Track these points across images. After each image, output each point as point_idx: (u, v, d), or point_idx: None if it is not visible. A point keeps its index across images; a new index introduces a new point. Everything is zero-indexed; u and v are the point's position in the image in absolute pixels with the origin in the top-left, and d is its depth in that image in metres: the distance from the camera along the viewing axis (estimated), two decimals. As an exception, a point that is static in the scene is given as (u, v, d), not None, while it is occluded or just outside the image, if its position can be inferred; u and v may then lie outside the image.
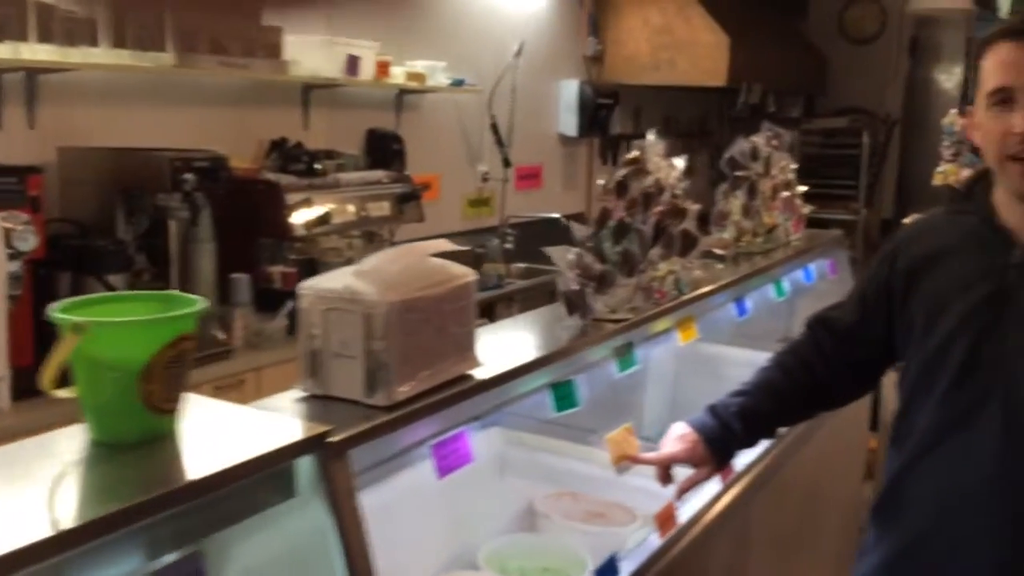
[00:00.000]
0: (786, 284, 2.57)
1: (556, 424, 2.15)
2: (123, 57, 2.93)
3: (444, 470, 1.25)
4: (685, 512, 1.79)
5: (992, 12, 7.67)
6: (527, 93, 5.14)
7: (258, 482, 1.02)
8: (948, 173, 3.27)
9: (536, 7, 5.21)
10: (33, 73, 2.79)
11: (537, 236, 4.22)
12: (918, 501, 1.41)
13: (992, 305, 1.34)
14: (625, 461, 1.62)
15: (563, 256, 1.66)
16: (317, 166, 3.50)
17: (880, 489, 1.50)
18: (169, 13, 3.05)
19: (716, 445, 1.58)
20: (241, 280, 3.28)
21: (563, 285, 1.65)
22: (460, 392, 1.27)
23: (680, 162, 1.97)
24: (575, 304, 1.65)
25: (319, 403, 1.21)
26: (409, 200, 3.83)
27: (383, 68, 3.83)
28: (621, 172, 1.78)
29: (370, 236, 3.85)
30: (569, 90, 5.55)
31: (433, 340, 1.25)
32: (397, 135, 4.32)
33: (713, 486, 1.92)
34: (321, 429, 1.05)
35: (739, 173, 2.49)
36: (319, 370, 1.21)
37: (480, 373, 1.36)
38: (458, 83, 4.39)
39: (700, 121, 6.99)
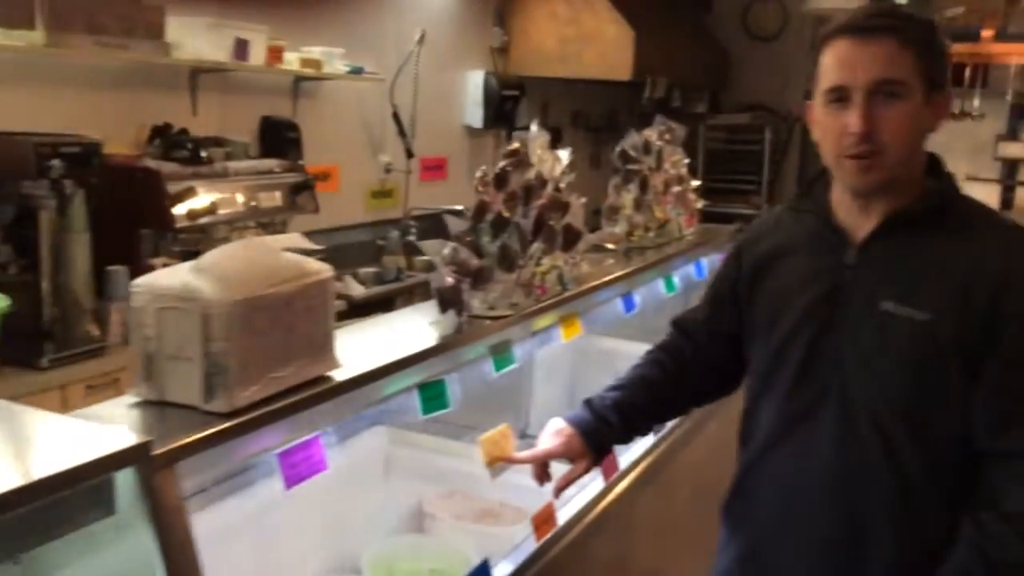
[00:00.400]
0: (677, 279, 2.56)
1: (444, 423, 2.08)
2: (-14, 34, 2.73)
3: (292, 479, 1.17)
4: (567, 512, 1.74)
5: (887, 14, 7.91)
6: (431, 83, 5.05)
7: (75, 497, 0.92)
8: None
9: (441, -3, 5.12)
10: None
11: (442, 228, 4.14)
12: (762, 502, 1.42)
13: (829, 304, 1.35)
14: (500, 462, 1.56)
15: (438, 251, 1.59)
16: (203, 154, 3.34)
17: (729, 488, 1.50)
18: (38, -12, 2.86)
19: (592, 438, 1.55)
20: (118, 273, 3.11)
21: (437, 281, 1.58)
22: (312, 396, 1.19)
23: (564, 154, 1.92)
24: (449, 300, 1.59)
25: (153, 410, 1.12)
26: (303, 190, 3.70)
27: (275, 53, 3.69)
28: (500, 164, 1.72)
29: (264, 227, 3.72)
30: (474, 81, 5.48)
31: (282, 341, 1.16)
32: (293, 123, 4.18)
33: (596, 484, 1.89)
34: (142, 440, 0.95)
35: (631, 167, 2.47)
36: (154, 374, 1.11)
37: (339, 375, 1.28)
38: (357, 71, 4.28)
39: (609, 115, 7.01)
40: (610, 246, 2.42)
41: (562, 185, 1.89)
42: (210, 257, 1.11)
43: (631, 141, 2.46)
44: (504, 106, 5.56)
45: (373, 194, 4.92)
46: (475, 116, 5.52)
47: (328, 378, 1.26)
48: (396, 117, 4.79)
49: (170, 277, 1.12)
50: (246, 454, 1.16)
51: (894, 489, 1.30)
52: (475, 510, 2.22)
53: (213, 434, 1.06)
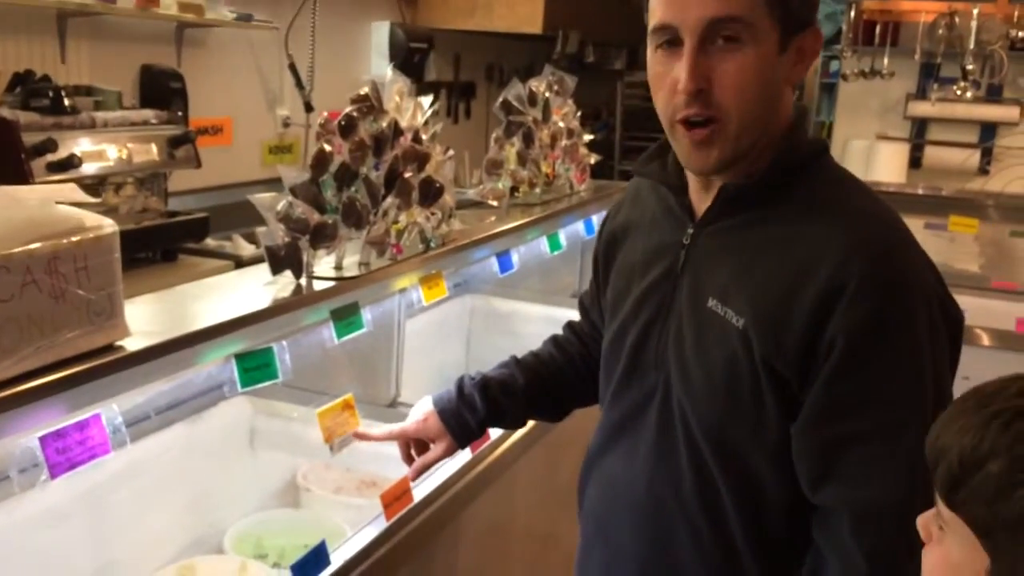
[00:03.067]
0: (563, 238, 2.44)
1: (312, 392, 1.94)
2: None
3: (59, 467, 1.01)
4: (423, 489, 1.62)
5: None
6: (332, 34, 4.81)
7: None
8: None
9: (339, -60, 4.86)
10: None
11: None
12: (590, 502, 1.28)
13: (661, 291, 1.15)
14: (343, 438, 1.43)
15: (271, 206, 1.43)
16: (67, 103, 3.09)
17: None
18: None
19: (452, 421, 1.41)
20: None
21: (268, 239, 1.42)
22: (84, 371, 1.03)
23: (427, 102, 1.76)
24: (282, 260, 1.43)
25: None
26: (182, 143, 3.46)
27: (149, -5, 3.43)
28: (346, 110, 1.56)
29: (141, 183, 3.48)
30: (380, 32, 5.25)
31: (48, 307, 1.00)
32: (177, 72, 3.91)
33: (462, 457, 1.77)
34: None
35: (514, 118, 2.32)
36: None
37: (131, 344, 1.12)
38: (245, 18, 4.02)
39: (525, 70, 6.82)
40: (492, 202, 2.28)
41: (424, 136, 1.74)
42: (-54, 210, 0.94)
43: (515, 91, 2.32)
44: (412, 58, 5.35)
45: (271, 149, 4.69)
46: (381, 68, 5.25)
47: (115, 348, 1.10)
48: (293, 68, 4.55)
49: (-102, 232, 0.94)
50: (5, 437, 1.00)
51: (709, 532, 1.10)
52: (355, 483, 2.10)
53: (-53, 418, 0.90)
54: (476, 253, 2.01)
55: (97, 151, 3.16)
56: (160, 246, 3.49)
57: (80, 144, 3.08)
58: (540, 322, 2.57)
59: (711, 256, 1.10)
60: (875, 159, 5.96)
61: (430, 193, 1.69)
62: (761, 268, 1.04)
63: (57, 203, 1.07)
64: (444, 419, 1.41)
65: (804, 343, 1.00)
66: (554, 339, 1.50)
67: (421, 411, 1.44)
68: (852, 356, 0.98)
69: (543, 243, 2.38)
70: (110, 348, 1.10)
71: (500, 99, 2.33)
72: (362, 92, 1.59)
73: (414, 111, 1.75)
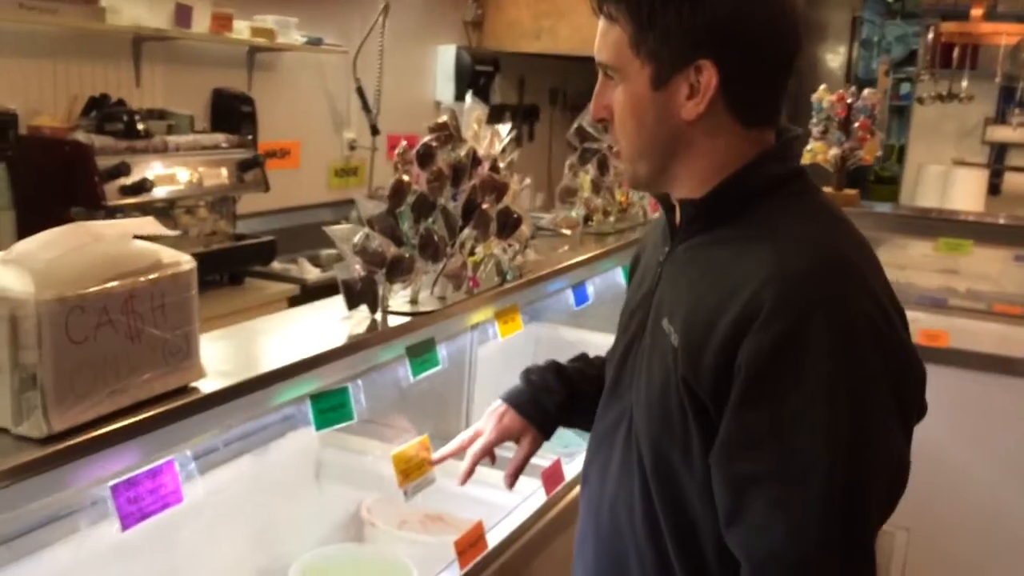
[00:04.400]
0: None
1: (379, 424, 1.90)
2: None
3: (131, 518, 0.97)
4: (500, 531, 1.55)
5: (876, -9, 7.70)
6: (400, 58, 4.82)
7: None
8: (816, 151, 3.13)
9: (409, -35, 4.88)
10: None
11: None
12: (577, 526, 1.23)
13: (643, 309, 1.14)
14: (417, 481, 1.37)
15: (348, 238, 1.39)
16: (140, 127, 3.11)
17: None
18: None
19: (529, 408, 1.35)
20: (46, 254, 2.89)
21: (343, 272, 1.38)
22: (160, 415, 0.99)
23: (505, 129, 1.71)
24: (358, 295, 1.38)
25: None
26: (252, 167, 3.48)
27: (221, 21, 3.46)
28: (425, 139, 1.51)
29: (211, 206, 3.50)
30: (446, 56, 5.25)
31: (123, 348, 0.96)
32: (247, 96, 3.95)
33: (537, 500, 1.70)
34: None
35: (589, 145, 2.26)
36: (-40, 388, 0.91)
37: (205, 386, 1.08)
38: (315, 42, 4.04)
39: (589, 93, 6.73)
40: (565, 231, 2.22)
41: (501, 164, 1.68)
42: (25, 245, 0.91)
43: (589, 117, 2.25)
44: (478, 82, 5.34)
45: (337, 172, 4.70)
46: (447, 92, 5.29)
47: (189, 390, 1.06)
48: (360, 92, 4.57)
49: (-27, 270, 0.91)
50: (79, 485, 0.96)
51: (653, 562, 1.06)
52: (419, 516, 2.04)
53: (19, 466, 0.86)
54: (551, 285, 1.94)
55: (168, 175, 3.18)
56: (228, 269, 3.51)
57: (152, 168, 3.11)
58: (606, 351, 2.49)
59: (674, 275, 1.10)
60: (952, 185, 5.76)
61: (508, 224, 1.63)
62: (700, 289, 1.03)
63: (135, 237, 1.03)
64: (522, 411, 1.35)
65: (717, 368, 0.96)
66: None
67: (494, 414, 1.38)
68: (753, 386, 0.93)
69: (618, 273, 2.30)
70: (185, 390, 1.05)
71: (574, 125, 2.26)
72: (440, 120, 1.54)
73: (491, 139, 1.70)
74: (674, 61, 1.01)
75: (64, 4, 2.94)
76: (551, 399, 1.35)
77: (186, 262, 1.04)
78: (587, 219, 2.32)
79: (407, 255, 1.44)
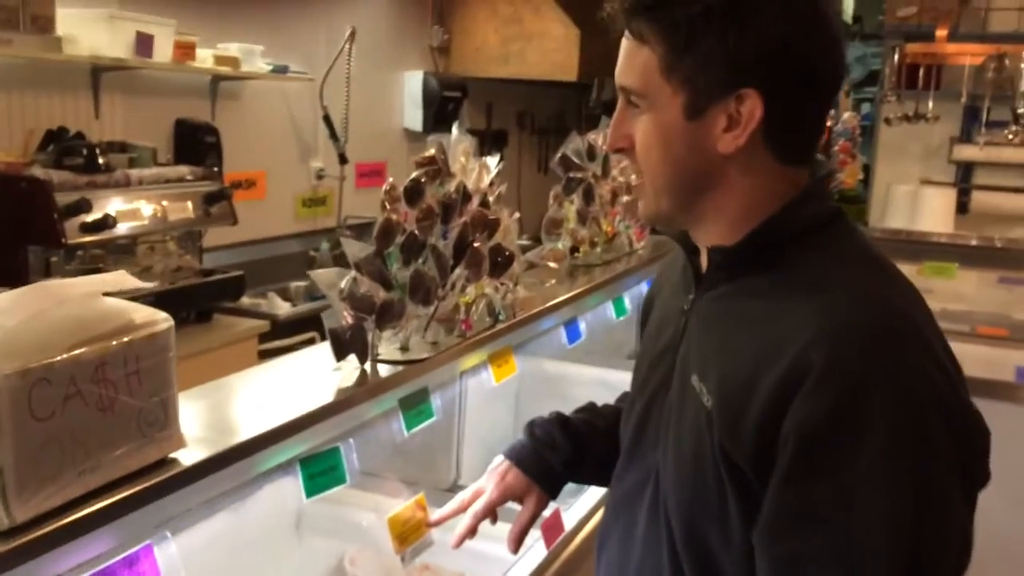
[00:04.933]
0: (628, 301, 2.28)
1: (367, 475, 1.79)
2: None
3: (106, 613, 0.86)
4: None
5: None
6: (366, 84, 4.73)
7: None
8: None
9: (375, -9, 4.81)
10: None
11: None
12: None
13: (666, 361, 1.05)
14: (415, 545, 1.27)
15: (334, 283, 1.29)
16: (101, 161, 2.98)
17: None
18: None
19: (533, 467, 1.25)
20: None
21: (331, 320, 1.28)
22: (135, 495, 0.88)
23: (493, 161, 1.62)
24: (347, 344, 1.28)
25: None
26: (218, 200, 3.36)
27: (184, 50, 3.35)
28: (413, 174, 1.42)
29: (178, 241, 3.37)
30: (413, 82, 5.17)
31: (94, 421, 0.85)
32: (211, 126, 3.83)
33: (537, 554, 1.60)
34: None
35: (574, 175, 2.18)
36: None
37: (186, 457, 0.97)
38: (281, 70, 3.94)
39: (558, 117, 6.75)
40: (551, 264, 2.13)
41: (491, 198, 1.60)
42: (-15, 310, 0.80)
43: (574, 146, 2.18)
44: (446, 107, 5.27)
45: (304, 202, 4.59)
46: (415, 118, 5.21)
47: (168, 464, 0.95)
48: (327, 120, 4.47)
49: (-77, 340, 0.80)
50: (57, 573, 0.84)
51: None
52: (407, 569, 1.93)
53: (-26, 565, 0.75)
54: (544, 323, 1.86)
55: (132, 210, 3.05)
56: (196, 307, 3.37)
57: (114, 203, 2.98)
58: (594, 385, 2.39)
59: (703, 325, 1.00)
60: (921, 204, 5.78)
61: (500, 262, 1.54)
62: (736, 344, 0.92)
63: (105, 295, 0.92)
64: (525, 468, 1.26)
65: (760, 436, 0.86)
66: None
67: (496, 472, 1.28)
68: (803, 459, 0.83)
69: (608, 307, 2.22)
70: (163, 463, 0.94)
71: (559, 154, 2.19)
72: (428, 154, 1.45)
73: (480, 172, 1.61)
74: (713, 89, 0.91)
75: (19, 34, 2.81)
76: (557, 456, 1.25)
77: (162, 320, 0.93)
78: (573, 250, 2.24)
79: (397, 299, 1.35)
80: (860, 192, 6.51)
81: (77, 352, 0.83)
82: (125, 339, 0.88)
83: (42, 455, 0.80)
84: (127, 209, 3.03)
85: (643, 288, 2.45)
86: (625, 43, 0.97)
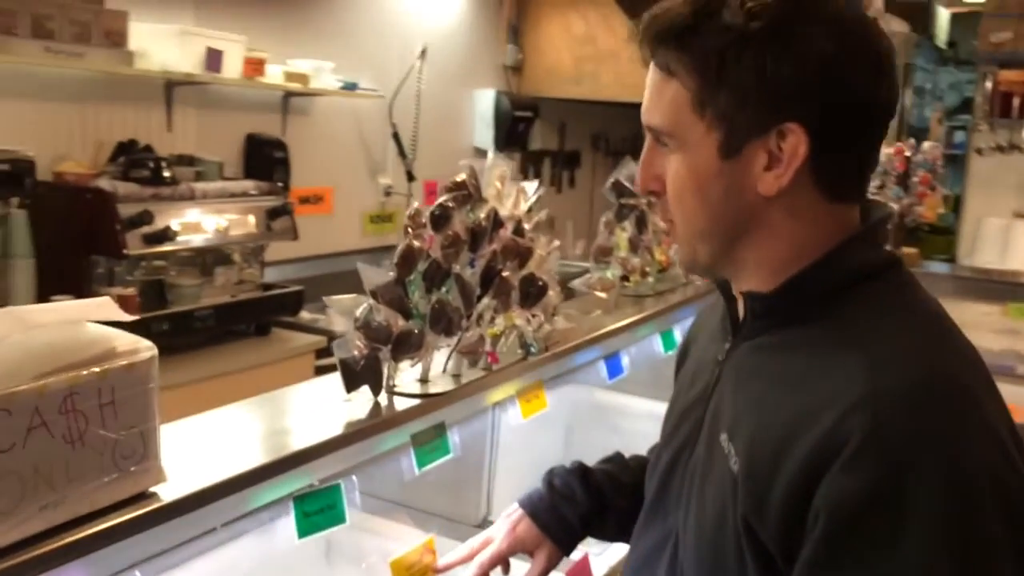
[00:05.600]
0: (678, 334, 2.18)
1: (393, 503, 1.74)
2: (-89, 36, 2.44)
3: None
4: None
5: (929, 38, 7.48)
6: (438, 102, 4.73)
7: None
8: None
9: (450, 10, 4.81)
10: None
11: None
12: None
13: (696, 414, 0.96)
14: (422, 589, 1.20)
15: (349, 310, 1.24)
16: (166, 174, 3.03)
17: None
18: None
19: (548, 520, 1.18)
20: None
21: (342, 350, 1.22)
22: (100, 533, 0.83)
23: (531, 187, 1.56)
24: (358, 376, 1.23)
25: None
26: (280, 215, 3.37)
27: (254, 65, 3.38)
28: (441, 199, 1.37)
29: (240, 255, 3.40)
30: (485, 101, 5.16)
31: (60, 454, 0.81)
32: (281, 141, 3.88)
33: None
34: None
35: (626, 201, 2.10)
36: None
37: (166, 492, 0.93)
38: (350, 86, 3.96)
39: (633, 139, 6.65)
40: (600, 294, 2.05)
41: (527, 226, 1.53)
42: (-56, 336, 0.76)
43: (627, 171, 2.10)
44: (517, 127, 5.24)
45: (371, 219, 4.60)
46: (485, 137, 5.19)
47: (145, 499, 0.90)
48: (396, 137, 4.48)
49: None
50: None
51: None
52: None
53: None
54: (582, 356, 1.78)
55: (194, 223, 3.09)
56: (254, 320, 3.40)
57: (177, 215, 3.02)
58: (649, 419, 2.30)
59: (737, 379, 0.91)
60: (1013, 239, 5.49)
61: (532, 293, 1.47)
62: (770, 404, 0.83)
63: (90, 322, 0.89)
64: (539, 521, 1.18)
65: (787, 511, 0.77)
66: None
67: (508, 520, 1.21)
68: (833, 542, 0.74)
69: (656, 341, 2.12)
70: (141, 498, 0.90)
71: (610, 180, 2.11)
72: (458, 179, 1.40)
73: (516, 198, 1.55)
74: (751, 125, 0.83)
75: (91, 48, 2.88)
76: (574, 510, 1.17)
77: (145, 349, 0.89)
78: (624, 279, 2.15)
79: (416, 329, 1.29)
80: (950, 223, 6.24)
81: (43, 382, 0.79)
82: (98, 368, 0.84)
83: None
84: (190, 222, 3.07)
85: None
86: (651, 76, 0.89)
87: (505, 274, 1.42)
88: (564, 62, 5.33)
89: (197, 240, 3.10)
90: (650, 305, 2.11)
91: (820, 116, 0.82)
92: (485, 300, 1.41)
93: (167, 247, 2.97)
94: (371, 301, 1.25)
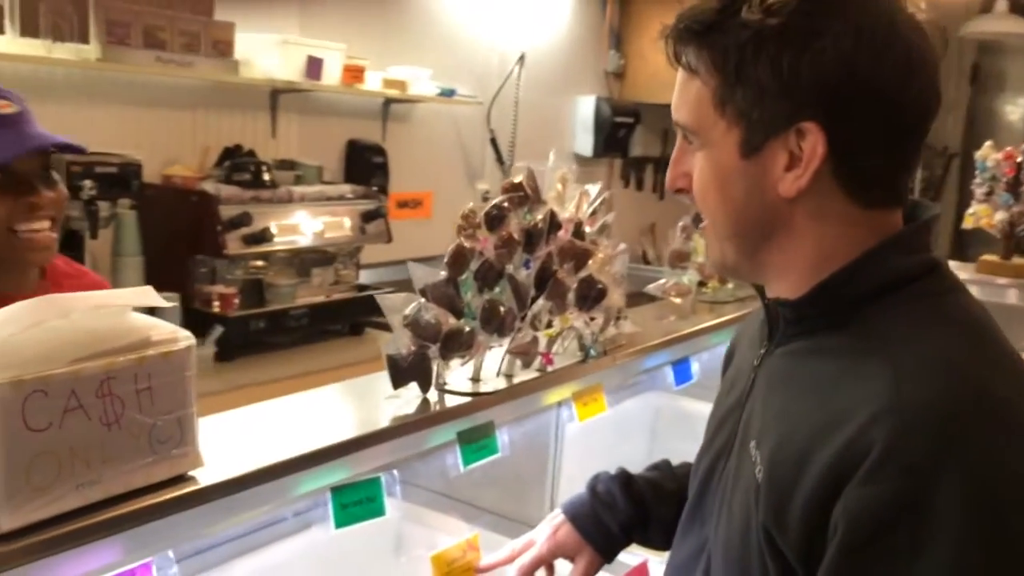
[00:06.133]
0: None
1: (461, 501, 1.75)
2: (34, 48, 2.62)
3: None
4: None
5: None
6: (537, 108, 4.76)
7: None
8: (980, 215, 2.78)
9: (550, 18, 4.83)
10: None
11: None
12: None
13: (732, 420, 0.94)
14: (462, 586, 1.21)
15: (399, 308, 1.26)
16: (266, 177, 3.15)
17: None
18: (96, 0, 2.74)
19: (589, 526, 1.17)
20: (168, 300, 2.95)
21: (390, 347, 1.25)
22: (133, 512, 0.88)
23: (594, 190, 1.55)
24: (404, 372, 1.25)
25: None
26: (374, 218, 3.46)
27: (353, 73, 3.48)
28: (496, 200, 1.38)
29: (336, 256, 3.50)
30: (585, 107, 5.15)
31: (96, 436, 0.86)
32: (380, 147, 3.98)
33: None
34: None
35: (704, 205, 2.06)
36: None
37: (204, 477, 0.97)
38: (448, 93, 4.03)
39: (739, 145, 6.52)
40: (675, 299, 2.02)
41: (588, 228, 1.52)
42: (-8, 321, 0.82)
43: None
44: (617, 133, 5.20)
45: (469, 223, 4.66)
46: (585, 143, 5.18)
47: (181, 482, 0.94)
48: (494, 143, 4.53)
49: (-58, 346, 0.83)
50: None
51: None
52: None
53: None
54: (648, 361, 1.75)
55: (291, 224, 3.20)
56: (348, 319, 3.49)
57: (276, 217, 3.14)
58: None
59: (770, 385, 0.89)
60: None
61: (590, 295, 1.46)
62: (795, 412, 0.81)
63: (134, 311, 0.93)
64: (579, 526, 1.18)
65: (807, 522, 0.75)
66: None
67: (550, 524, 1.21)
68: (852, 555, 0.71)
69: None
70: (178, 481, 0.94)
71: (690, 183, 2.07)
72: (516, 180, 1.40)
73: (580, 200, 1.54)
74: (769, 123, 0.82)
75: (200, 58, 3.02)
76: (614, 517, 1.16)
77: (183, 339, 0.93)
78: (702, 285, 2.11)
79: (467, 328, 1.30)
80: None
81: (79, 366, 0.84)
82: (136, 355, 0.89)
83: (35, 465, 0.82)
84: (287, 224, 3.19)
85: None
86: (679, 74, 0.89)
87: (560, 276, 1.41)
88: (668, 67, 5.26)
89: (294, 241, 3.21)
90: (728, 311, 2.06)
91: (839, 116, 0.79)
92: (540, 301, 1.41)
93: (265, 247, 3.09)
94: (421, 300, 1.27)
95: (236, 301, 3.08)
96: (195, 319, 3.00)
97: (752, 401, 0.91)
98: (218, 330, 2.93)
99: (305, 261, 3.38)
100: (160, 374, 0.91)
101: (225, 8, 3.20)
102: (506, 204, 1.37)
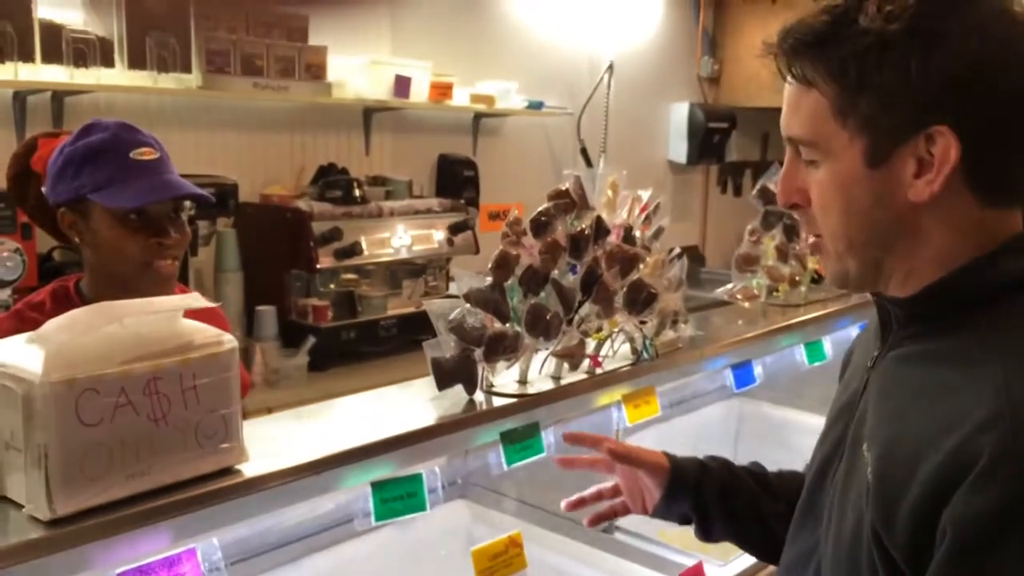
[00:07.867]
0: (829, 345, 2.08)
1: (534, 508, 1.79)
2: (142, 79, 2.82)
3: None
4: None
5: None
6: (628, 116, 4.76)
7: None
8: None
9: (640, 25, 4.83)
10: (32, 95, 2.71)
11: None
12: None
13: (844, 420, 0.94)
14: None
15: (444, 314, 1.31)
16: (356, 193, 3.28)
17: None
18: (197, 33, 2.93)
19: (675, 476, 1.20)
20: (266, 313, 3.11)
21: (434, 349, 1.30)
22: (178, 502, 0.95)
23: (645, 195, 1.57)
24: (447, 375, 1.30)
25: (-13, 507, 0.94)
26: (461, 231, 3.54)
27: (440, 89, 3.58)
28: (542, 207, 1.41)
29: (421, 269, 3.61)
30: (679, 113, 5.12)
31: (145, 430, 0.94)
32: (470, 160, 4.07)
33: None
34: None
35: (772, 208, 2.04)
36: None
37: (248, 469, 1.04)
38: (536, 105, 4.09)
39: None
40: (744, 303, 2.01)
41: (636, 233, 1.54)
42: (54, 324, 0.92)
43: (775, 177, 2.04)
44: (711, 139, 5.15)
45: (562, 233, 4.70)
46: (679, 150, 5.15)
47: (226, 475, 1.02)
48: (584, 152, 4.56)
49: (9, 347, 0.93)
50: (88, 571, 0.94)
51: None
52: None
53: (15, 547, 0.86)
54: (706, 364, 1.75)
55: (381, 238, 3.32)
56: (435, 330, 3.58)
57: (366, 232, 3.26)
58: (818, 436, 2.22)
59: (882, 387, 0.89)
60: None
61: (639, 299, 1.48)
62: (907, 417, 0.82)
63: (184, 318, 1.02)
64: (669, 475, 1.21)
65: (916, 526, 0.76)
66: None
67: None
68: (962, 560, 0.72)
69: (799, 351, 2.04)
70: (223, 474, 1.02)
71: (758, 185, 2.06)
72: (562, 187, 1.44)
73: (631, 206, 1.56)
74: (897, 130, 0.81)
75: (294, 82, 3.18)
76: (697, 477, 1.20)
77: (227, 342, 1.01)
78: (772, 290, 2.09)
79: (511, 332, 1.34)
80: None
81: (128, 367, 0.92)
82: (181, 357, 0.97)
83: (88, 457, 0.90)
84: (377, 238, 3.31)
85: (853, 333, 2.22)
86: (788, 88, 0.89)
87: (607, 280, 1.44)
88: (763, 71, 5.17)
89: (384, 254, 3.33)
90: (798, 315, 2.03)
91: (970, 117, 0.79)
92: (587, 306, 1.44)
93: (355, 261, 3.21)
94: (467, 305, 1.32)
95: (329, 313, 3.21)
96: (290, 330, 3.16)
97: (864, 403, 0.91)
98: (311, 341, 3.06)
99: (395, 273, 3.49)
100: (205, 374, 0.99)
101: (319, 33, 3.35)
102: (552, 211, 1.40)
